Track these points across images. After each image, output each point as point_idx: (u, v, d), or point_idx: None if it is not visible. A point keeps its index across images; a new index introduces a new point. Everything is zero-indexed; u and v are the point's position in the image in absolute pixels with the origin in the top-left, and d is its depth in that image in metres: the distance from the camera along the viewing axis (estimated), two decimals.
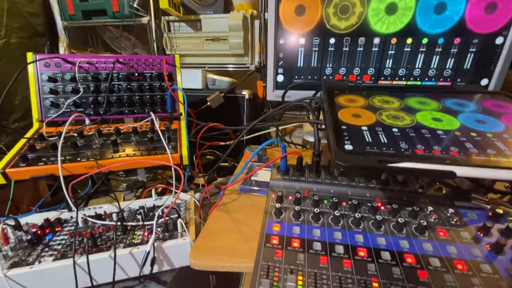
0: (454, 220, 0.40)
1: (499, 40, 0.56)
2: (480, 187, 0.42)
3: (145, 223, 0.57)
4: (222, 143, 0.85)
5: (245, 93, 1.04)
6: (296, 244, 0.37)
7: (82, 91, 0.69)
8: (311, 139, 0.63)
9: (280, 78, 0.65)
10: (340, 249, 0.36)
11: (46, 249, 0.51)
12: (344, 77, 0.62)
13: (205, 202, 0.75)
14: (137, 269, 0.51)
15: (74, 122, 0.73)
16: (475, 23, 0.55)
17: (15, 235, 0.52)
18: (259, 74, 1.12)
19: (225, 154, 0.66)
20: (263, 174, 0.63)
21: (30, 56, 0.66)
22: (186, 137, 0.65)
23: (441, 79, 0.59)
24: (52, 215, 0.60)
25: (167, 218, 0.55)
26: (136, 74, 0.73)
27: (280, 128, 1.05)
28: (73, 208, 0.57)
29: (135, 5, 1.11)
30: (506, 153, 0.28)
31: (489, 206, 0.41)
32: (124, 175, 1.00)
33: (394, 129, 0.32)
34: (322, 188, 0.46)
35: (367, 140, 0.30)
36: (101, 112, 0.69)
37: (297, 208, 0.41)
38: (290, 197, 0.45)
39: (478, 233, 0.38)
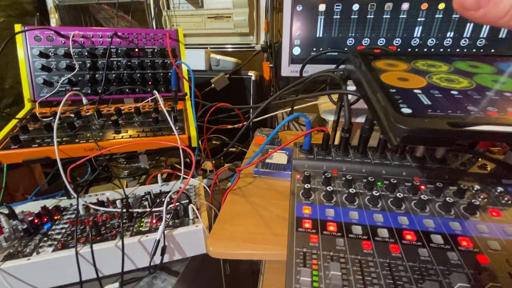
0: (506, 199, 0.36)
1: None
2: None
3: (153, 209, 0.52)
4: (230, 126, 0.79)
5: (251, 74, 0.98)
6: (332, 228, 0.32)
7: (77, 68, 0.63)
8: (330, 117, 0.58)
9: (297, 50, 0.60)
10: (384, 232, 0.31)
11: (45, 239, 0.46)
12: (366, 48, 0.56)
13: (215, 188, 0.70)
14: (146, 258, 0.46)
15: (70, 102, 0.67)
16: None
17: (9, 225, 0.47)
18: (265, 54, 1.05)
19: (236, 137, 0.61)
20: (278, 157, 0.59)
21: (18, 27, 0.59)
22: (193, 116, 0.60)
23: (474, 49, 0.54)
24: (50, 203, 0.55)
25: (177, 204, 0.51)
26: (137, 50, 0.66)
27: (285, 111, 1.00)
28: (73, 194, 0.52)
29: None
30: None
31: None
32: (125, 162, 0.94)
33: (453, 92, 0.27)
34: (352, 167, 0.42)
35: (426, 103, 0.25)
36: (99, 91, 0.63)
37: (329, 188, 0.36)
38: (318, 178, 0.41)
39: None
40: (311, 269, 0.27)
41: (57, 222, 0.49)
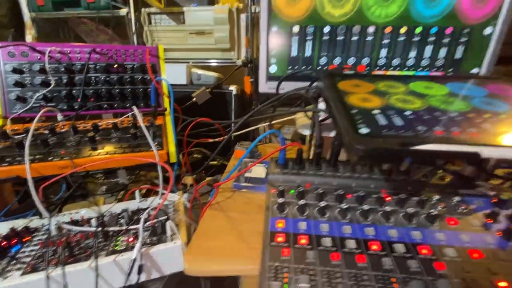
0: (462, 208, 0.39)
1: (488, 31, 0.56)
2: (483, 173, 0.41)
3: (130, 227, 0.51)
4: (211, 140, 0.80)
5: (233, 88, 1.00)
6: (304, 240, 0.33)
7: (53, 84, 0.62)
8: (306, 132, 0.61)
9: (273, 68, 0.62)
10: (351, 243, 0.33)
11: (13, 262, 0.44)
12: (339, 67, 0.60)
13: (194, 203, 0.70)
14: (122, 278, 0.45)
15: (44, 118, 0.66)
16: (466, 13, 0.55)
17: None
18: (246, 69, 1.08)
19: (215, 151, 0.62)
20: (257, 171, 0.60)
21: None
22: (173, 132, 0.60)
23: (434, 69, 0.59)
24: (19, 223, 0.53)
25: (155, 220, 0.50)
26: (116, 66, 0.67)
27: (271, 123, 1.03)
28: (45, 214, 0.50)
29: None
30: None
31: (492, 193, 0.40)
32: (103, 177, 0.92)
33: (407, 112, 0.30)
34: (324, 180, 0.44)
35: (382, 123, 0.28)
36: (76, 107, 0.62)
37: (302, 202, 0.38)
38: (292, 192, 0.42)
39: (487, 220, 0.37)
40: (282, 283, 0.28)
41: (26, 244, 0.47)
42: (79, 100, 0.62)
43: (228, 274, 0.38)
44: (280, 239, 0.34)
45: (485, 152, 0.23)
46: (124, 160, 0.53)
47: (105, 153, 0.54)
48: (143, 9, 1.06)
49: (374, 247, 0.33)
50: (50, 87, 0.61)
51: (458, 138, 0.25)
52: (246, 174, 0.58)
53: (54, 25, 1.30)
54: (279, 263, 0.31)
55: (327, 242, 0.33)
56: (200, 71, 1.04)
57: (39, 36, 1.22)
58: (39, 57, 0.62)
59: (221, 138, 0.78)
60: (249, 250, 0.39)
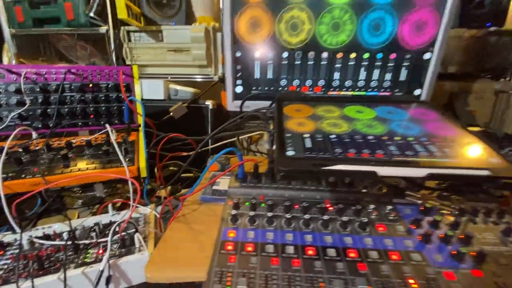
0: (392, 215, 0.44)
1: (427, 56, 0.64)
2: (413, 185, 0.47)
3: (99, 240, 0.54)
4: (185, 154, 0.84)
5: (209, 103, 1.05)
6: (250, 248, 0.38)
7: (28, 103, 0.65)
8: (267, 147, 0.66)
9: (239, 89, 0.68)
10: (290, 249, 0.38)
11: None
12: (298, 88, 0.66)
13: (168, 215, 0.73)
14: None
15: (19, 136, 0.68)
16: (407, 41, 0.63)
17: None
18: (223, 84, 1.14)
19: (185, 164, 0.66)
20: (226, 183, 0.64)
21: None
22: (144, 148, 0.64)
23: (382, 90, 0.66)
24: None
25: (123, 233, 0.54)
26: (91, 85, 0.70)
27: (245, 136, 1.08)
28: (17, 229, 0.53)
29: (91, 14, 1.08)
30: (421, 154, 0.33)
31: (420, 202, 0.46)
32: (80, 191, 0.94)
33: (332, 136, 0.36)
34: (277, 193, 0.49)
35: (307, 146, 0.33)
36: (51, 125, 0.65)
37: (252, 213, 0.42)
38: (247, 203, 0.47)
39: (411, 226, 0.43)
40: (224, 286, 0.32)
41: (0, 257, 0.49)
42: (53, 118, 0.65)
43: (187, 281, 0.41)
44: (229, 247, 0.38)
45: (381, 171, 0.28)
46: (95, 176, 0.56)
47: (77, 170, 0.57)
48: (122, 27, 1.10)
49: (310, 252, 0.37)
50: (25, 107, 0.64)
51: (364, 159, 0.31)
52: (214, 187, 0.63)
53: (35, 40, 1.32)
54: (225, 268, 0.35)
55: (270, 248, 0.38)
56: (177, 87, 1.08)
57: (19, 51, 1.23)
58: (15, 78, 0.65)
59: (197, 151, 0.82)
60: (206, 259, 0.42)
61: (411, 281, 0.34)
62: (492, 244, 0.40)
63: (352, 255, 0.37)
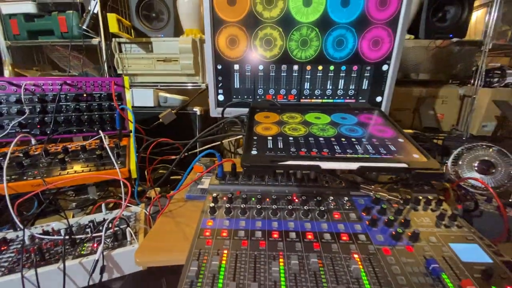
0: (348, 205, 0.52)
1: (384, 67, 0.73)
2: (368, 180, 0.56)
3: (94, 235, 0.60)
4: (174, 157, 0.91)
5: (197, 109, 1.12)
6: (224, 234, 0.45)
7: (28, 112, 0.71)
8: None
9: (221, 97, 0.76)
10: (259, 234, 0.45)
11: None
12: (273, 97, 0.74)
13: (158, 214, 0.80)
14: (87, 278, 0.54)
15: (19, 142, 0.74)
16: (366, 54, 0.72)
17: None
18: None
19: (171, 166, 0.73)
20: (208, 182, 0.72)
21: None
22: (134, 152, 0.71)
23: (347, 97, 0.75)
24: None
25: (116, 228, 0.60)
26: (85, 95, 0.77)
27: (232, 140, 1.15)
28: (19, 226, 0.58)
29: (84, 27, 1.14)
30: (358, 150, 0.41)
31: (372, 194, 0.54)
32: (73, 194, 0.99)
33: (290, 138, 0.43)
34: (251, 188, 0.56)
35: (269, 146, 0.41)
36: (48, 132, 0.72)
37: (228, 205, 0.50)
38: (225, 198, 0.54)
39: (362, 213, 0.51)
40: (200, 262, 0.39)
41: (3, 252, 0.55)
42: (51, 125, 0.72)
43: (171, 264, 0.48)
44: (207, 233, 0.45)
45: (324, 165, 0.36)
46: (90, 177, 0.62)
47: (73, 172, 0.63)
48: (114, 39, 1.17)
49: (275, 235, 0.45)
50: (25, 115, 0.70)
51: (312, 156, 0.38)
52: (199, 186, 0.70)
53: (30, 51, 1.37)
54: (202, 249, 0.42)
55: (241, 234, 0.45)
56: (166, 94, 1.15)
57: (14, 61, 1.29)
58: (15, 89, 0.71)
59: (183, 154, 0.89)
60: (188, 246, 0.49)
61: (355, 255, 0.42)
62: (427, 226, 0.49)
63: (309, 237, 0.45)
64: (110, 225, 0.61)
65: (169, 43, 1.18)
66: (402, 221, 0.48)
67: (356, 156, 0.41)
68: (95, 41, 1.19)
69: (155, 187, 0.78)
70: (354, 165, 0.39)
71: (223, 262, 0.40)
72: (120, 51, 1.20)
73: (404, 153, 0.43)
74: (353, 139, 0.44)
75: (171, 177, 1.10)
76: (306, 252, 0.42)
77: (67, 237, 0.58)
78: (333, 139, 0.44)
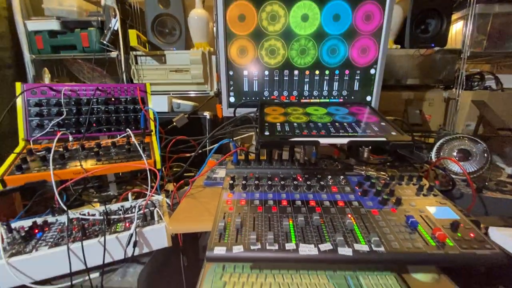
0: (343, 182, 0.63)
1: (372, 71, 0.86)
2: (360, 162, 0.66)
3: (126, 215, 0.70)
4: (188, 155, 1.01)
5: (206, 114, 1.24)
6: (243, 202, 0.55)
7: (65, 114, 0.82)
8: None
9: (232, 99, 0.87)
10: (271, 202, 0.55)
11: (40, 241, 0.61)
12: (277, 98, 0.86)
13: (175, 206, 0.89)
14: (122, 252, 0.62)
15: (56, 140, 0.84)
16: (356, 60, 0.84)
17: (7, 236, 0.61)
18: (217, 98, 1.33)
19: (189, 160, 0.84)
20: (223, 172, 0.82)
21: (18, 86, 0.78)
22: (157, 146, 0.81)
23: (341, 97, 0.87)
24: (38, 220, 0.69)
25: (146, 210, 0.69)
26: (113, 99, 0.88)
27: (239, 138, 1.26)
28: (63, 207, 0.68)
29: (105, 42, 1.27)
30: (349, 131, 0.52)
31: (364, 172, 0.65)
32: (95, 192, 1.09)
33: (295, 124, 0.54)
34: (262, 171, 0.67)
35: (278, 129, 0.52)
36: (82, 131, 0.82)
37: (244, 182, 0.60)
38: (240, 178, 0.65)
39: (356, 187, 0.61)
40: (226, 220, 0.49)
41: (46, 232, 0.64)
42: (85, 125, 0.83)
43: (198, 231, 0.57)
44: (229, 202, 0.55)
45: (321, 141, 0.47)
46: (122, 167, 0.73)
47: (108, 163, 0.73)
48: (131, 52, 1.30)
49: (284, 203, 0.55)
50: (63, 116, 0.81)
51: (312, 135, 0.49)
52: (214, 175, 0.80)
53: (50, 64, 1.50)
54: (226, 213, 0.52)
55: (256, 202, 0.55)
56: (179, 101, 1.27)
57: (36, 74, 1.41)
58: (55, 94, 0.82)
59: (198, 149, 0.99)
60: (211, 217, 0.59)
61: (349, 216, 0.52)
62: (408, 196, 0.59)
63: (312, 204, 0.55)
64: (140, 208, 0.71)
65: (180, 55, 1.31)
66: (388, 191, 0.59)
67: (346, 134, 0.51)
68: (114, 54, 1.32)
69: (172, 182, 0.87)
70: (345, 140, 0.49)
71: (244, 220, 0.50)
72: (137, 63, 1.32)
73: (384, 132, 0.54)
74: (345, 124, 0.55)
75: (185, 174, 1.21)
76: (310, 214, 0.52)
77: (104, 216, 0.68)
78: (329, 124, 0.55)
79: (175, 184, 0.97)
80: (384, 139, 0.50)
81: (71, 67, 1.48)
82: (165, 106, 1.23)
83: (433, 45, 1.33)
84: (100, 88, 0.87)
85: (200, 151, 0.93)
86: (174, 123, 1.18)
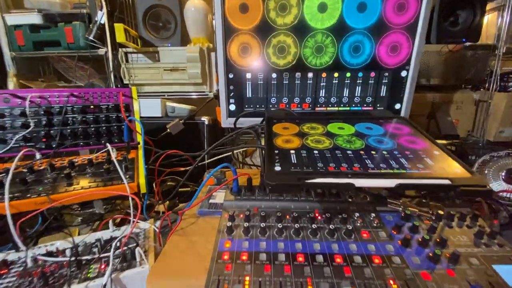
0: (375, 223, 0.48)
1: (403, 73, 0.70)
2: (395, 193, 0.52)
3: (101, 255, 0.56)
4: (182, 169, 0.88)
5: (205, 119, 1.10)
6: (244, 257, 0.41)
7: (32, 126, 0.68)
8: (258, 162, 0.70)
9: (232, 107, 0.73)
10: (282, 257, 0.41)
11: None
12: (287, 106, 0.71)
13: (167, 229, 0.76)
14: None
15: (23, 157, 0.71)
16: (384, 60, 0.69)
17: None
18: (217, 101, 1.19)
19: (183, 179, 0.70)
20: (222, 196, 0.68)
21: None
22: (143, 165, 0.67)
23: (365, 105, 0.71)
24: None
25: (125, 248, 0.56)
26: (92, 107, 0.74)
27: (240, 151, 1.12)
28: (22, 247, 0.55)
29: (90, 38, 1.13)
30: (392, 165, 0.38)
31: (401, 209, 0.50)
32: (79, 209, 0.96)
33: (315, 151, 0.40)
34: (269, 204, 0.52)
35: (293, 161, 0.37)
36: (54, 146, 0.69)
37: (246, 224, 0.46)
38: (241, 215, 0.50)
39: (393, 231, 0.46)
40: None
41: (4, 277, 0.51)
42: (56, 139, 0.69)
43: None
44: (225, 257, 0.41)
45: (357, 183, 0.33)
46: (97, 194, 0.59)
47: (80, 188, 0.60)
48: (120, 49, 1.16)
49: (300, 258, 0.41)
50: (29, 129, 0.68)
51: (343, 172, 0.35)
52: (211, 200, 0.66)
53: (35, 62, 1.36)
54: (221, 276, 0.38)
55: (263, 257, 0.41)
56: (174, 104, 1.13)
57: (18, 73, 1.28)
58: (20, 102, 0.68)
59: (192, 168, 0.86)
60: (205, 269, 0.45)
61: (391, 282, 0.38)
62: (465, 246, 0.44)
63: (338, 260, 0.41)
64: (118, 244, 0.57)
65: (176, 52, 1.16)
66: (438, 240, 0.44)
67: (391, 171, 0.37)
68: (101, 51, 1.18)
69: (168, 199, 0.74)
70: (391, 182, 0.35)
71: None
72: (127, 61, 1.18)
73: (443, 167, 0.39)
74: (383, 152, 0.40)
75: (180, 189, 1.07)
76: (337, 279, 0.38)
77: (72, 258, 0.55)
78: (362, 152, 0.40)
79: (165, 207, 0.84)
80: (447, 181, 0.36)
81: (57, 65, 1.34)
82: (158, 110, 1.09)
83: (464, 40, 1.16)
84: (76, 94, 0.73)
85: (196, 165, 0.79)
86: (168, 130, 1.04)
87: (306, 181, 0.32)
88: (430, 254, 0.42)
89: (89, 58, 1.22)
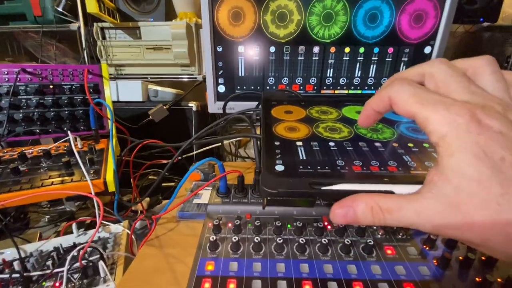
0: (400, 234, 0.38)
1: (427, 50, 0.58)
2: None
3: (56, 270, 0.45)
4: (165, 161, 0.76)
5: (192, 105, 0.97)
6: (232, 285, 0.30)
7: None
8: (252, 155, 0.59)
9: (222, 88, 0.60)
10: (283, 285, 0.30)
11: None
12: (287, 87, 0.59)
13: (146, 230, 0.65)
14: None
15: None
16: (406, 33, 0.57)
17: None
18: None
19: (162, 172, 0.58)
20: (207, 196, 0.57)
21: None
22: (112, 159, 0.55)
23: (379, 87, 0.60)
24: None
25: (85, 261, 0.45)
26: (51, 87, 0.61)
27: (233, 141, 1.00)
28: None
29: (60, 9, 0.98)
30: None
31: None
32: (48, 206, 0.84)
33: (331, 143, 0.29)
34: (265, 209, 0.41)
35: (301, 157, 0.26)
36: (1, 134, 0.56)
37: (235, 238, 0.35)
38: (230, 224, 0.39)
39: (424, 246, 0.36)
40: None
41: None
42: (4, 125, 0.56)
43: None
44: (206, 285, 0.31)
45: (397, 190, 0.22)
46: (51, 194, 0.47)
47: (29, 187, 0.48)
48: (95, 24, 1.01)
49: (307, 287, 0.30)
50: None
51: (374, 174, 0.24)
52: (196, 200, 0.55)
53: (1, 39, 1.20)
54: None
55: (257, 284, 0.30)
56: (157, 87, 1.00)
57: None
58: None
59: (175, 159, 0.74)
60: None
61: None
62: None
63: None
64: (77, 254, 0.46)
65: (160, 29, 1.01)
66: (484, 258, 0.34)
67: None
68: (73, 26, 1.03)
69: (143, 198, 0.62)
70: None
71: None
72: (104, 37, 1.03)
73: None
74: (425, 144, 0.29)
75: (163, 184, 0.96)
76: None
77: (17, 275, 0.43)
78: (395, 144, 0.29)
79: (143, 206, 0.72)
80: None
81: (25, 42, 1.18)
82: (138, 94, 0.95)
83: (482, 19, 1.05)
84: (29, 71, 0.59)
85: (180, 157, 0.67)
86: (150, 117, 0.91)
87: (323, 187, 0.21)
88: (478, 279, 0.31)
89: (61, 34, 1.07)
